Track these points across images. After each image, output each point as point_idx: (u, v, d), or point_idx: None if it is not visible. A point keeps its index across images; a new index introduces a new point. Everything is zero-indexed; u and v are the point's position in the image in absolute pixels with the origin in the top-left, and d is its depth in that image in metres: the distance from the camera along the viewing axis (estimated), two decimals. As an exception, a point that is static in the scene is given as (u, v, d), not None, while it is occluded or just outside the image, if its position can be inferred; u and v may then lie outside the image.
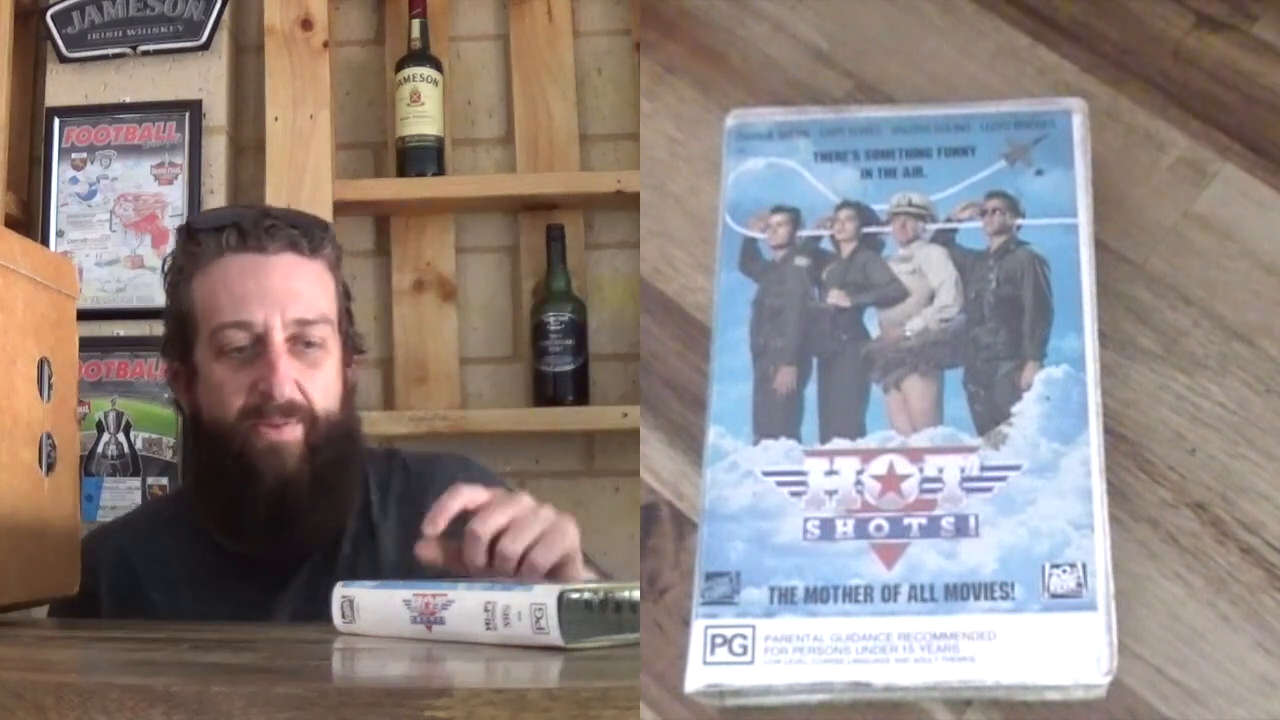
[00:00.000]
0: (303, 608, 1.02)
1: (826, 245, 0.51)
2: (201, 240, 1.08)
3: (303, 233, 1.07)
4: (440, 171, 1.68)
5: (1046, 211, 0.52)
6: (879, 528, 0.50)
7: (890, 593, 0.50)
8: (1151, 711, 0.57)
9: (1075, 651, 0.51)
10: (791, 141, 0.53)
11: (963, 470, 0.51)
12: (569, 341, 1.62)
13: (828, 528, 0.50)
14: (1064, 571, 0.51)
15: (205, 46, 1.67)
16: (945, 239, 0.51)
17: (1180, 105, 0.70)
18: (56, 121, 1.67)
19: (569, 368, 1.61)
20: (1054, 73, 0.72)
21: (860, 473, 0.50)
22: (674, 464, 0.68)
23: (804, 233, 0.51)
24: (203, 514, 1.08)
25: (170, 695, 0.43)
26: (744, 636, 0.52)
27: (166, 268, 1.12)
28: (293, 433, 1.02)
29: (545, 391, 1.62)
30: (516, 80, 1.73)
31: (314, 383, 1.04)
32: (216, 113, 1.68)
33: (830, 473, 0.50)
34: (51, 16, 1.69)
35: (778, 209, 0.52)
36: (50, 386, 0.86)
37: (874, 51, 0.77)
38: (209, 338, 1.05)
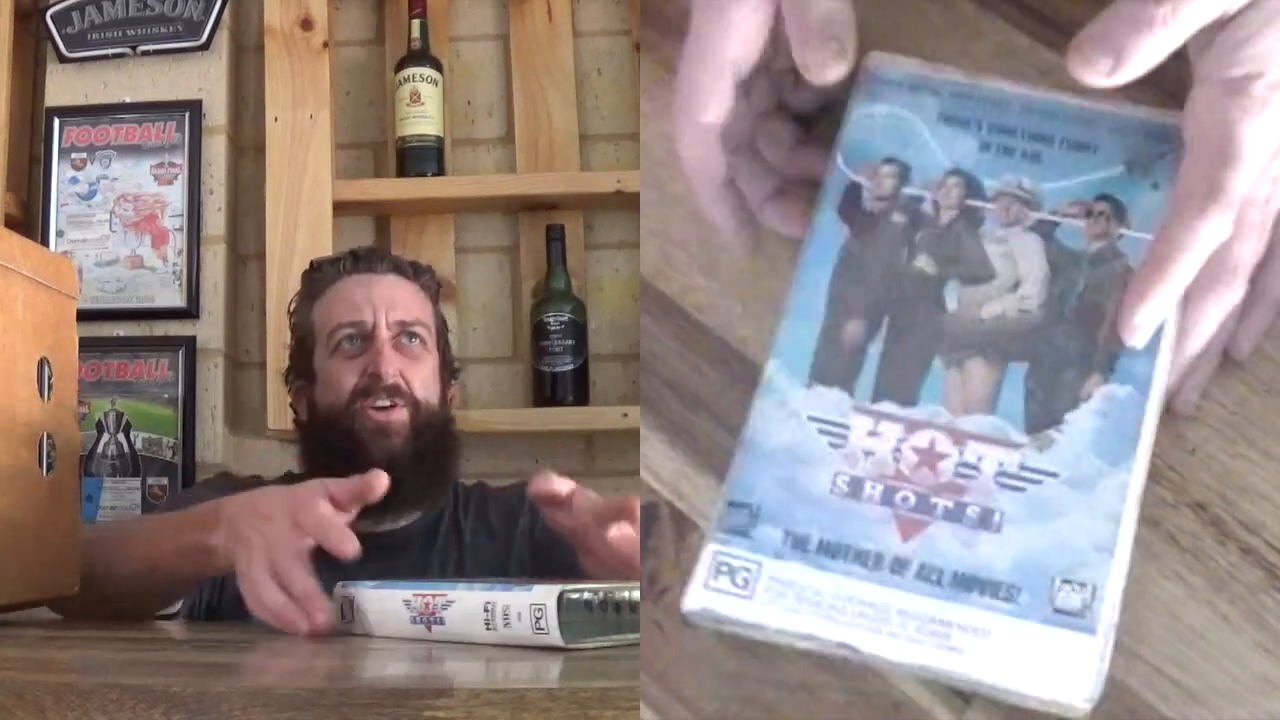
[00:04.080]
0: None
1: (927, 208, 0.50)
2: (321, 269, 1.30)
3: (408, 264, 1.31)
4: (440, 171, 1.68)
5: (1151, 227, 0.51)
6: (905, 499, 0.49)
7: (900, 566, 0.50)
8: (1151, 711, 0.57)
9: (1063, 670, 0.50)
10: (920, 96, 0.52)
11: (1001, 465, 0.50)
12: (569, 341, 1.62)
13: (856, 486, 0.49)
14: (1074, 589, 0.50)
15: (205, 46, 1.67)
16: (1045, 231, 0.50)
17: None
18: (56, 121, 1.67)
19: (569, 368, 1.61)
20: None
21: (902, 441, 0.50)
22: (674, 464, 0.68)
23: (908, 190, 0.50)
24: None
25: (170, 695, 0.43)
26: (749, 570, 0.52)
27: (292, 308, 1.34)
28: (399, 415, 1.20)
29: (545, 391, 1.62)
30: (516, 80, 1.73)
31: (415, 373, 1.23)
32: (216, 113, 1.68)
33: (873, 434, 0.49)
34: (51, 16, 1.69)
35: (889, 160, 0.51)
36: (50, 386, 0.86)
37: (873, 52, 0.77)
38: (326, 339, 1.24)
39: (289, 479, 1.32)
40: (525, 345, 1.67)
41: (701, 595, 0.55)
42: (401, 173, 1.67)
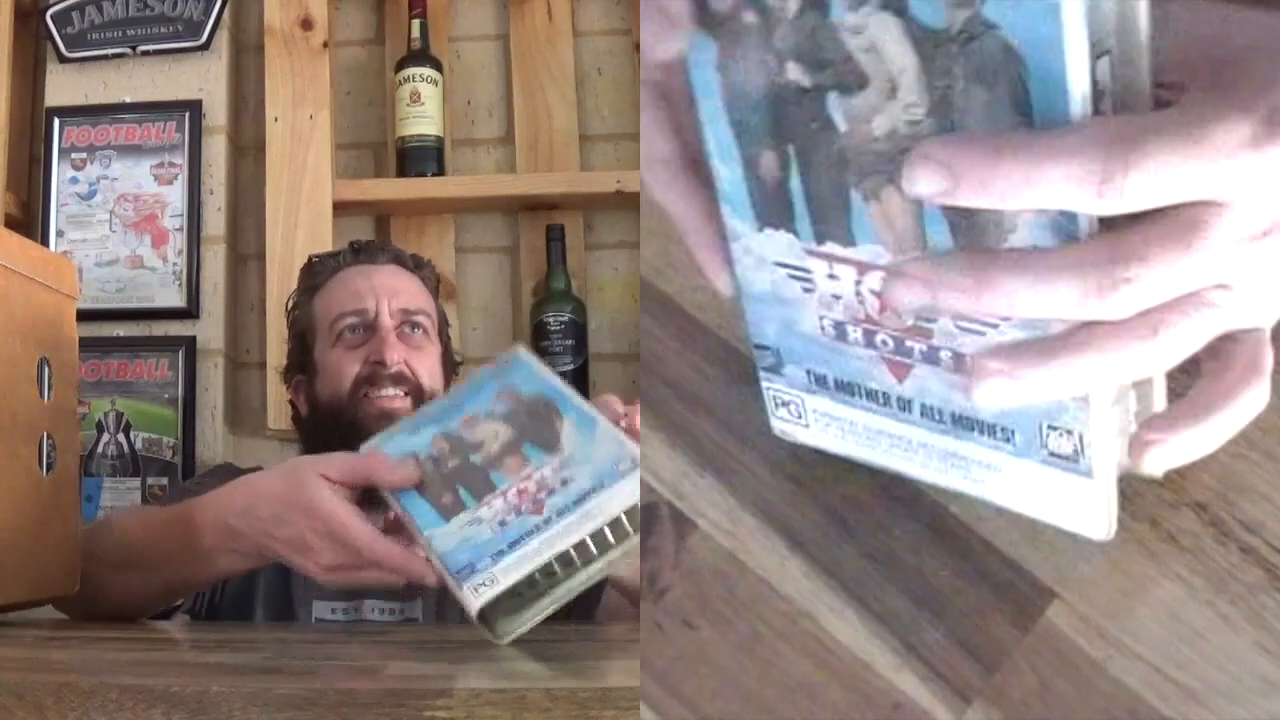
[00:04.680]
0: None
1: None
2: (319, 264, 1.29)
3: (408, 256, 1.30)
4: (440, 171, 1.68)
5: None
6: (884, 343, 0.46)
7: (905, 405, 0.48)
8: (1151, 711, 0.57)
9: (1076, 505, 0.50)
10: None
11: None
12: (569, 341, 1.62)
13: (840, 330, 0.46)
14: (1061, 435, 0.46)
15: (205, 46, 1.67)
16: (899, 7, 0.38)
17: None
18: (56, 121, 1.67)
19: (569, 368, 1.62)
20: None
21: (858, 284, 0.44)
22: (674, 464, 0.68)
23: None
24: None
25: (170, 695, 0.43)
26: (797, 403, 0.52)
27: (290, 305, 1.32)
28: (402, 404, 1.17)
29: (544, 391, 1.62)
30: (516, 80, 1.73)
31: (419, 362, 1.20)
32: (216, 113, 1.68)
33: (831, 277, 0.44)
34: (51, 16, 1.69)
35: None
36: (50, 386, 0.86)
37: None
38: (328, 330, 1.22)
39: None
40: (525, 345, 1.67)
41: (777, 424, 0.55)
42: (401, 173, 1.67)
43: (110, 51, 1.68)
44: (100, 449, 1.60)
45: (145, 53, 1.68)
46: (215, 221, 1.66)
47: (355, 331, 1.21)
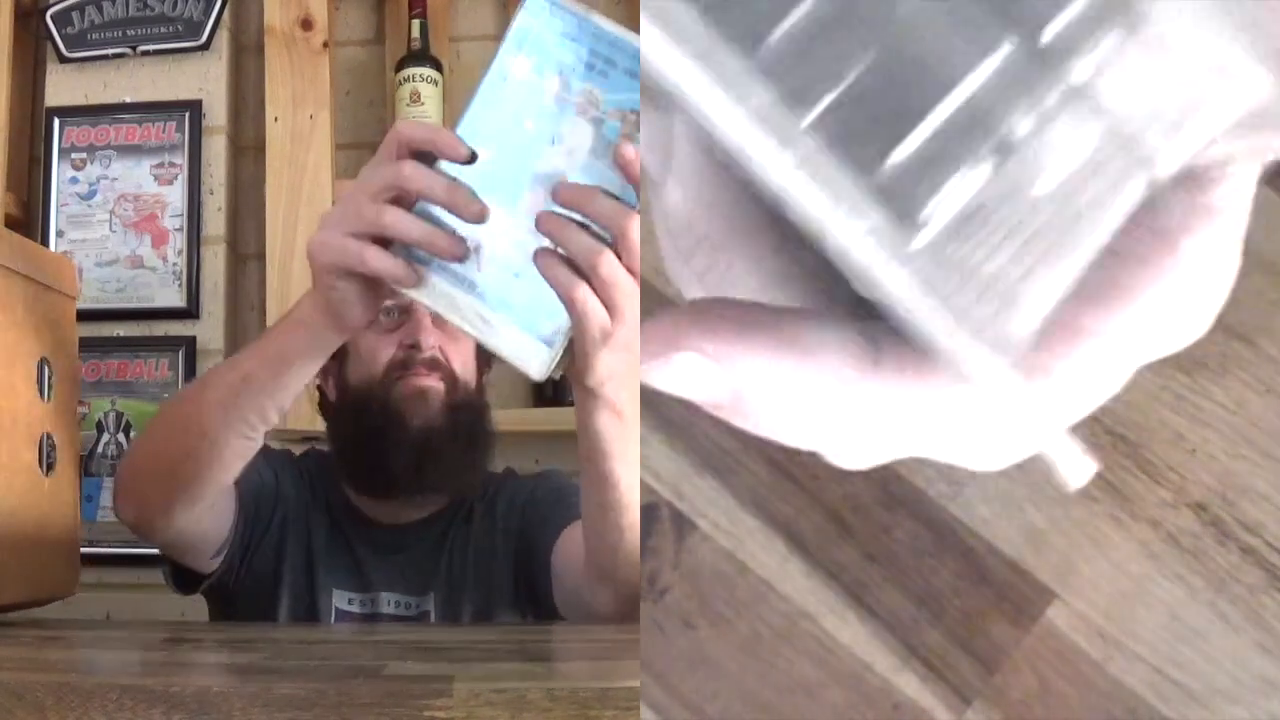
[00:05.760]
0: (407, 576, 1.16)
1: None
2: None
3: None
4: (440, 171, 1.68)
5: None
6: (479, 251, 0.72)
7: (472, 284, 0.71)
8: (1151, 711, 0.57)
9: (538, 358, 0.71)
10: (564, 15, 0.74)
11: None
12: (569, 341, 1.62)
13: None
14: (546, 322, 0.71)
15: (205, 46, 1.67)
16: (597, 122, 0.73)
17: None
18: (56, 121, 1.67)
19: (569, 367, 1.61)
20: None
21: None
22: (674, 464, 0.68)
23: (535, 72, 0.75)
24: (346, 473, 1.20)
25: (170, 695, 0.43)
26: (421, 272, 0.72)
27: None
28: (436, 383, 1.15)
29: (545, 391, 1.62)
30: (516, 80, 1.73)
31: (454, 350, 1.18)
32: (216, 113, 1.68)
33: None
34: (51, 16, 1.69)
35: (529, 52, 0.75)
36: (50, 386, 0.87)
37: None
38: None
39: (310, 457, 1.30)
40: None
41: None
42: (401, 173, 1.67)
43: (110, 51, 1.68)
44: (100, 449, 1.60)
45: (145, 53, 1.68)
46: (215, 221, 1.66)
47: (390, 315, 1.18)
